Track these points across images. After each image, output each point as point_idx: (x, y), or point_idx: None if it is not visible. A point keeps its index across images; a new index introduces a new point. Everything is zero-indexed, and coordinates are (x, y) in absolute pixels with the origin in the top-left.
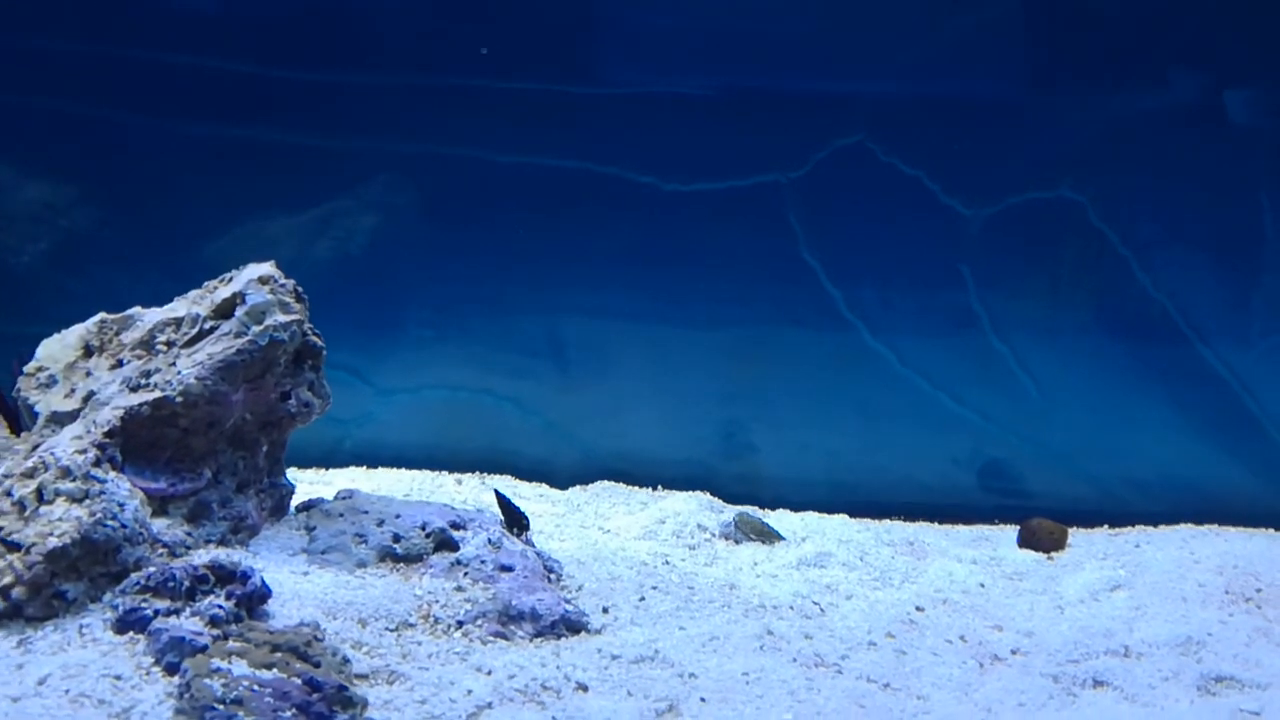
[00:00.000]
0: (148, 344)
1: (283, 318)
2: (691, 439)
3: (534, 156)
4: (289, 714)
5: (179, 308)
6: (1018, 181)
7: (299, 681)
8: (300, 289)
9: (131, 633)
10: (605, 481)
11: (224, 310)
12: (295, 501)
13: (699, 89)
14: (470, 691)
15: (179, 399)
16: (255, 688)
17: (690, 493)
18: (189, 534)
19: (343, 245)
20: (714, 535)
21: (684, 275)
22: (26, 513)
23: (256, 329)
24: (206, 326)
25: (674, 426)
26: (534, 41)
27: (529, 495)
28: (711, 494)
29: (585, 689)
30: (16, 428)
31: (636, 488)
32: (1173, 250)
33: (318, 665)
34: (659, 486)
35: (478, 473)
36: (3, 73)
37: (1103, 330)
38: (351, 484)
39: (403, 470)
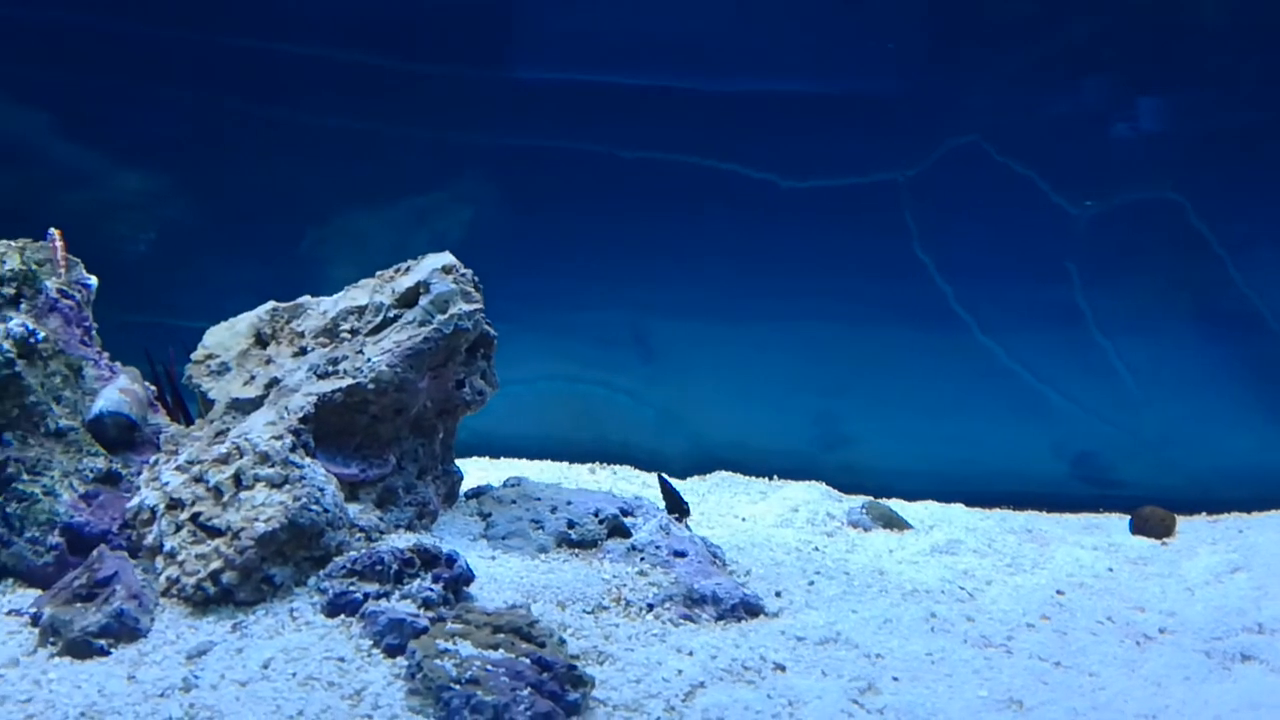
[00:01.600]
0: (331, 332)
1: (466, 307)
2: (800, 430)
3: (656, 152)
4: (525, 692)
5: (358, 296)
6: (1123, 182)
7: (528, 661)
8: (477, 279)
9: (343, 615)
10: (723, 471)
11: (408, 299)
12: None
13: (819, 88)
14: (680, 671)
15: (371, 386)
16: (488, 667)
17: (807, 482)
18: (381, 519)
19: (453, 236)
20: (843, 523)
21: (798, 270)
22: (225, 498)
23: (441, 318)
24: (390, 315)
25: (783, 418)
26: (659, 39)
27: (651, 485)
28: (825, 484)
29: (783, 669)
30: (187, 417)
31: (753, 477)
32: (1265, 250)
33: (542, 645)
34: (774, 476)
35: (598, 463)
36: (114, 60)
37: (1198, 326)
38: (482, 475)
39: (525, 460)
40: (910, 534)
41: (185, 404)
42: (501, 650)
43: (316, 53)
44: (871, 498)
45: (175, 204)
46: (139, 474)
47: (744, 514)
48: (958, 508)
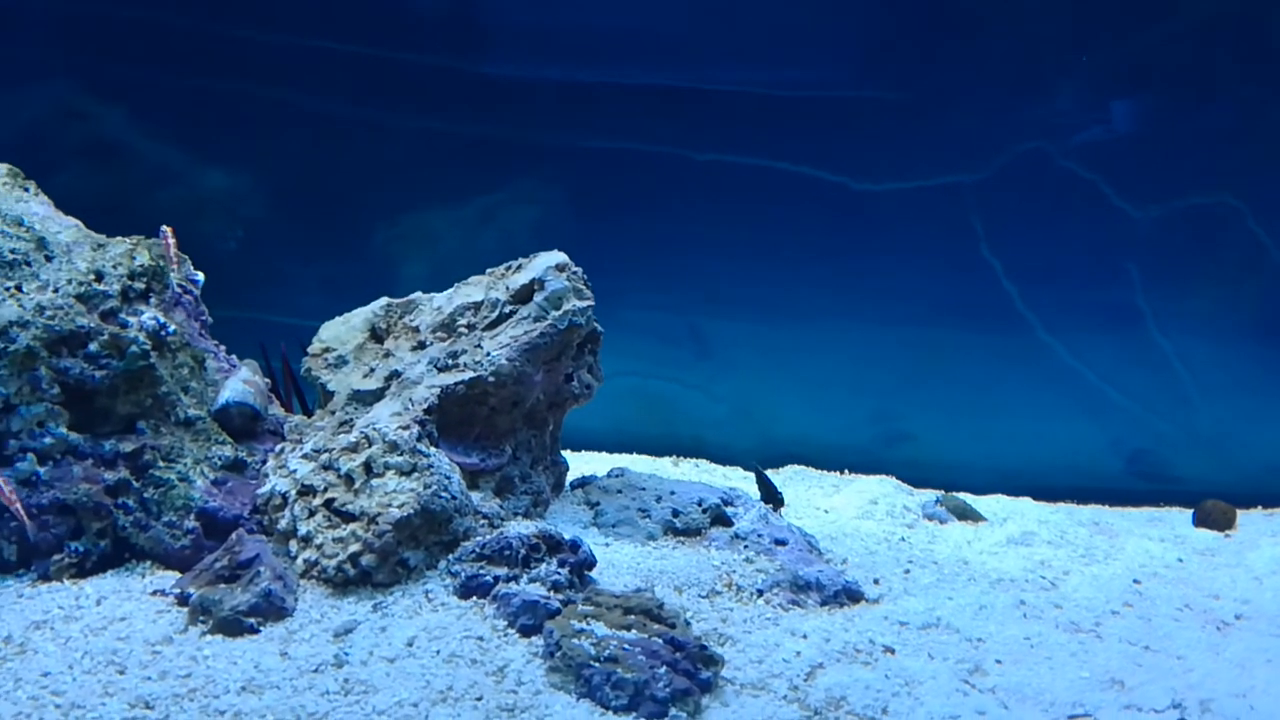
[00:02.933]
0: (449, 326)
1: (578, 303)
2: (866, 426)
3: (729, 155)
4: (662, 670)
5: (472, 292)
6: (1183, 187)
7: (661, 641)
8: (587, 278)
9: (475, 597)
10: (795, 465)
11: (523, 296)
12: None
13: (891, 94)
14: (799, 653)
15: (491, 379)
16: (625, 646)
17: (878, 477)
18: (501, 506)
19: (521, 237)
20: (919, 516)
21: (867, 271)
22: (356, 485)
23: (555, 314)
24: (506, 310)
25: (849, 414)
26: (734, 44)
27: (730, 478)
28: (895, 478)
29: (892, 651)
30: (305, 407)
31: (824, 471)
32: None
33: (672, 626)
34: (845, 470)
35: (676, 456)
36: (198, 60)
37: (1255, 327)
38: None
39: (605, 453)
40: (985, 526)
41: (303, 395)
42: (634, 631)
43: (391, 56)
44: (943, 491)
45: (254, 203)
46: (263, 462)
47: (824, 506)
48: (1026, 501)
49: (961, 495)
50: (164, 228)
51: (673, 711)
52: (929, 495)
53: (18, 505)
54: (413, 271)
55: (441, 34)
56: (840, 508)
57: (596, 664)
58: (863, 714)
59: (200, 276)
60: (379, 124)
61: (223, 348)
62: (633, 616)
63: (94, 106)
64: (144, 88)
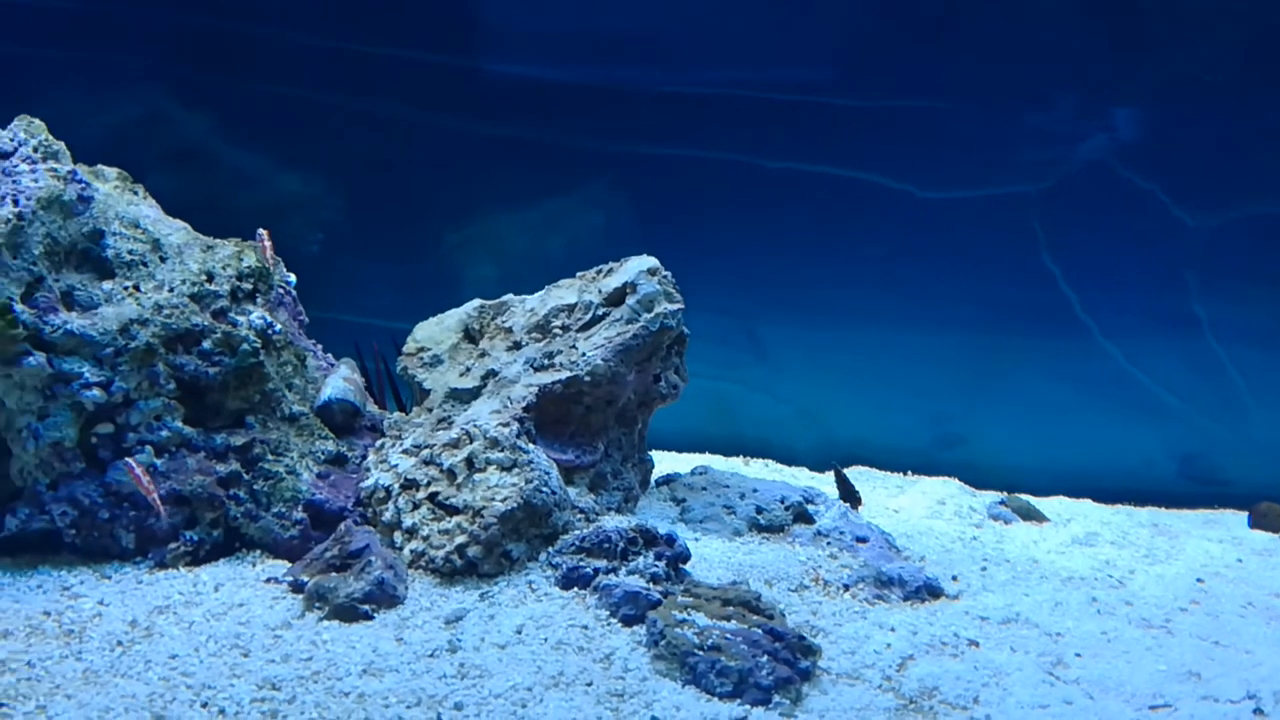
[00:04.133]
0: (543, 328)
1: (669, 306)
2: (926, 428)
3: (801, 163)
4: (764, 659)
5: (565, 295)
6: (1239, 197)
7: (760, 631)
8: (676, 282)
9: (576, 588)
10: (859, 466)
11: (615, 299)
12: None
13: (957, 104)
14: (889, 645)
15: (587, 378)
16: (727, 636)
17: (942, 478)
18: (595, 501)
19: (587, 241)
20: (984, 516)
21: (929, 276)
22: (459, 480)
23: (647, 316)
24: (599, 313)
25: (911, 416)
26: (804, 55)
27: (798, 478)
28: (957, 479)
29: (976, 644)
30: (400, 404)
31: (887, 472)
32: None
33: (771, 617)
34: (908, 471)
35: (743, 456)
36: (273, 68)
37: None
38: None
39: (674, 452)
40: (1049, 526)
41: (399, 392)
42: (734, 621)
43: (463, 64)
44: (1006, 493)
45: (330, 206)
46: (363, 456)
47: (892, 505)
48: (1087, 503)
49: (1024, 496)
50: (260, 230)
51: (776, 698)
52: (991, 496)
53: (155, 495)
54: (481, 273)
55: (512, 43)
56: (908, 507)
57: (700, 652)
58: (955, 703)
59: (292, 278)
60: (450, 130)
61: (319, 346)
62: (732, 608)
63: (180, 112)
64: (226, 95)
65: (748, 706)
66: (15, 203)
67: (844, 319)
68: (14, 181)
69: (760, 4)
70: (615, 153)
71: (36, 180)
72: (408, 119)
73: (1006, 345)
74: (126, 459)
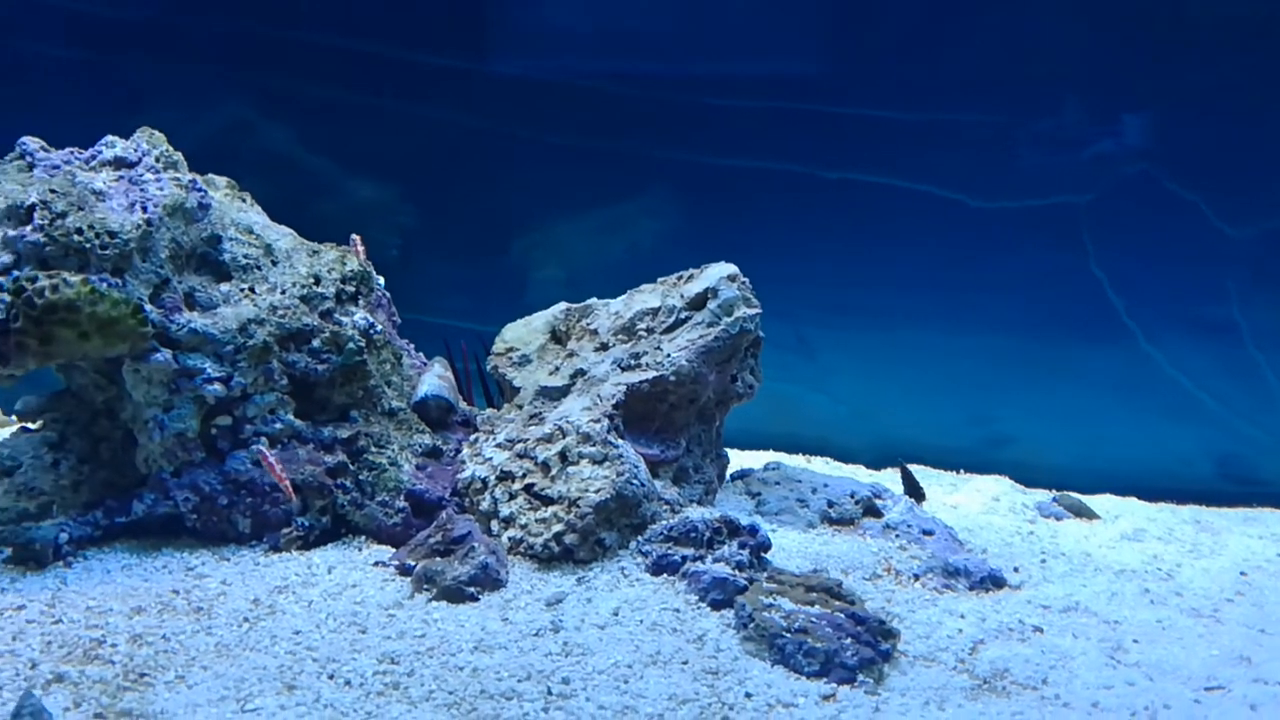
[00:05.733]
0: (629, 330)
1: (749, 311)
2: (975, 428)
3: (857, 173)
4: (848, 641)
5: (649, 300)
6: (1278, 209)
7: (843, 616)
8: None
9: (665, 574)
10: (912, 465)
11: (696, 303)
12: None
13: (1011, 117)
14: (960, 630)
15: (672, 378)
16: (812, 620)
17: (994, 476)
18: (679, 494)
19: (646, 245)
20: (1036, 513)
21: (980, 282)
22: (553, 472)
23: (728, 320)
24: (682, 316)
25: (960, 417)
26: (861, 68)
27: (858, 475)
28: (1008, 478)
29: (1041, 631)
30: (490, 400)
31: (941, 470)
32: None
33: (852, 603)
34: (960, 470)
35: (804, 454)
36: (348, 78)
37: None
38: None
39: (735, 450)
40: (1099, 523)
41: (488, 389)
42: (818, 606)
43: (531, 76)
44: (1054, 491)
45: (404, 212)
46: (456, 450)
47: (949, 502)
48: (1133, 500)
49: (1074, 494)
50: (354, 235)
51: (860, 677)
52: (1040, 494)
53: (286, 482)
54: (546, 276)
55: (579, 54)
56: (965, 504)
57: (788, 634)
58: (1025, 683)
59: (381, 280)
60: (518, 139)
61: (411, 345)
62: (814, 594)
63: (263, 122)
64: (306, 104)
65: (834, 685)
66: (144, 209)
67: (897, 323)
68: (141, 189)
69: (820, 21)
70: (678, 162)
71: (162, 188)
72: (478, 128)
73: (1054, 349)
74: (259, 447)
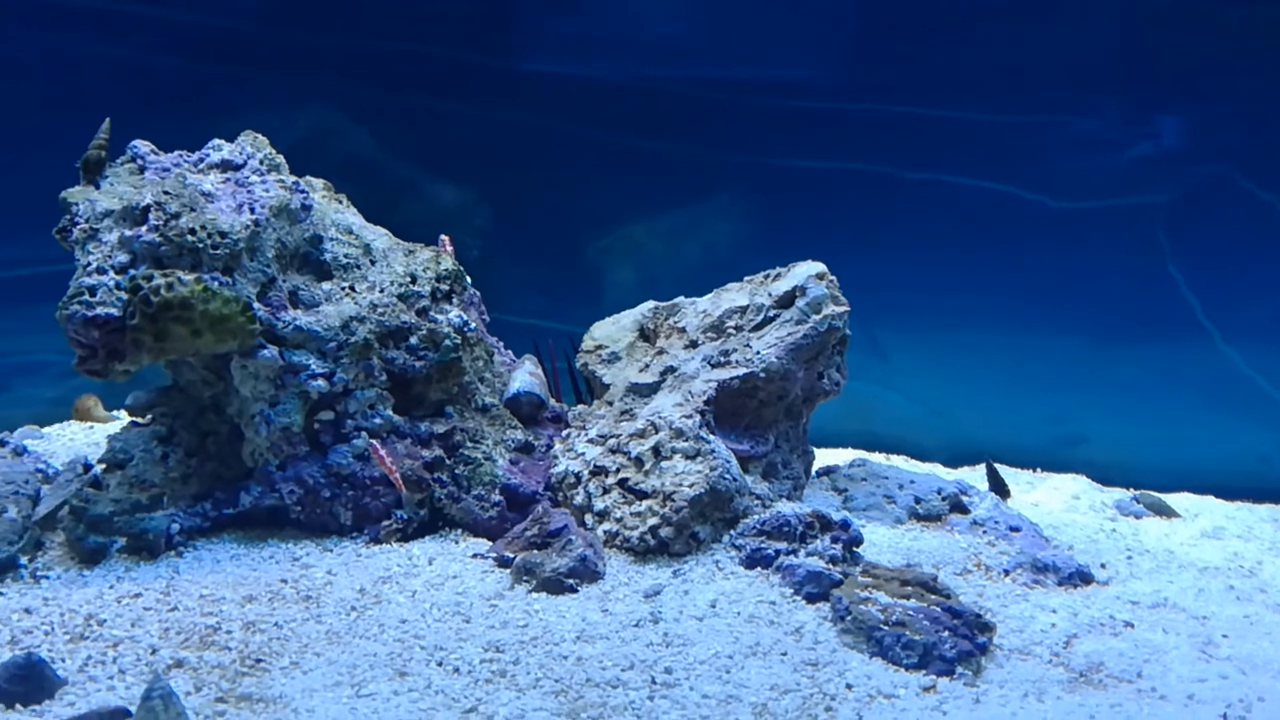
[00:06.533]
0: (718, 328)
1: (836, 309)
2: (1050, 427)
3: (941, 174)
4: (945, 634)
5: (737, 298)
6: None
7: (939, 610)
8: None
9: (759, 568)
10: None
11: (784, 301)
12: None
13: (1088, 119)
14: (1054, 625)
15: (762, 375)
16: (909, 613)
17: (1070, 475)
18: (769, 489)
19: (720, 247)
20: (1115, 511)
21: (1058, 282)
22: (646, 467)
23: (816, 318)
24: (770, 314)
25: (1035, 415)
26: (942, 70)
27: (940, 474)
28: (1085, 476)
29: (1132, 626)
30: (579, 397)
31: (1016, 469)
32: None
33: (948, 597)
34: (1037, 469)
35: (876, 453)
36: (428, 82)
37: None
38: None
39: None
40: (1179, 521)
41: (579, 387)
42: (914, 600)
43: (604, 78)
44: (1130, 489)
45: (481, 214)
46: (548, 446)
47: (1029, 500)
48: (1210, 499)
49: (1154, 493)
50: (443, 236)
51: (959, 670)
52: (1117, 493)
53: (396, 475)
54: (619, 277)
55: (656, 58)
56: (1045, 502)
57: (885, 627)
58: (1121, 677)
59: (468, 279)
60: (593, 141)
61: (501, 343)
62: (910, 588)
63: (348, 127)
64: (388, 110)
65: (934, 677)
66: (251, 210)
67: (973, 322)
68: (248, 191)
69: (903, 23)
70: (754, 164)
71: (267, 190)
72: (553, 131)
73: (1130, 348)
74: (371, 441)
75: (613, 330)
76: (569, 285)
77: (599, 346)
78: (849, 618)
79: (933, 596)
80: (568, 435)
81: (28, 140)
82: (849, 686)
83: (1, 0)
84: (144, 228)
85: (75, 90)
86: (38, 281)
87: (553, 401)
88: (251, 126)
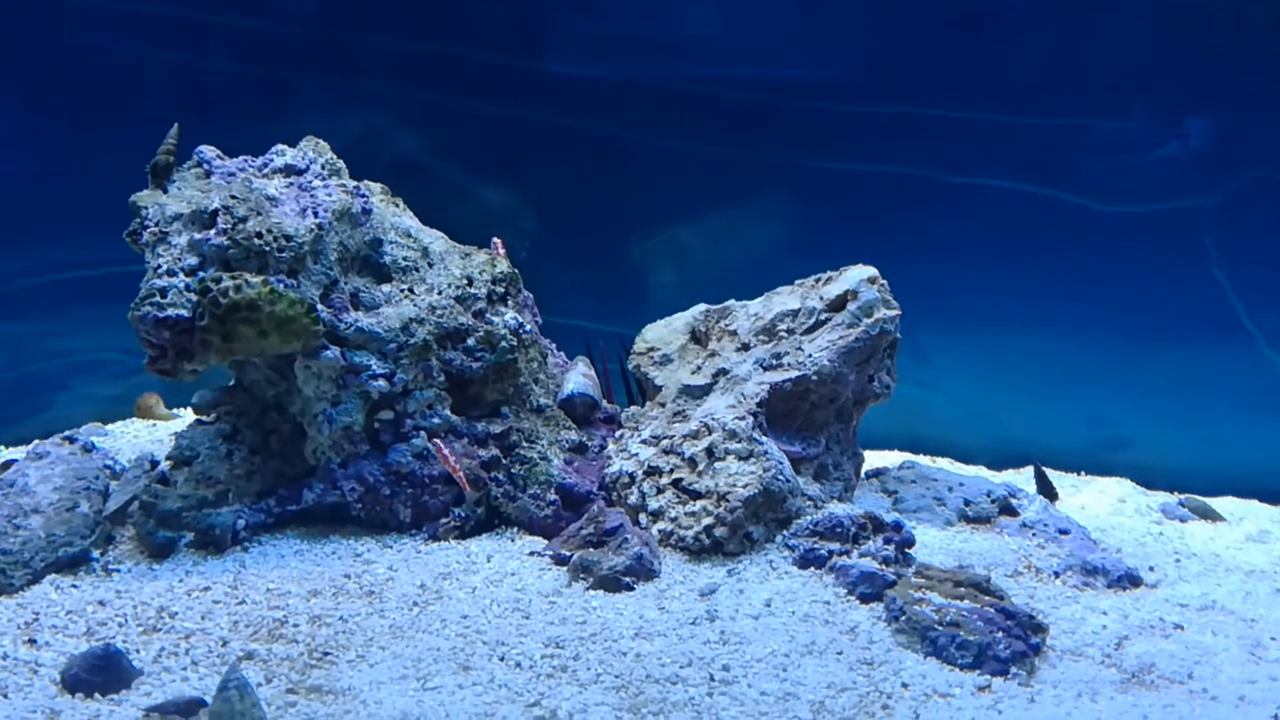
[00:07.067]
0: (770, 331)
1: (888, 313)
2: (1092, 430)
3: (984, 178)
4: (999, 634)
5: (788, 301)
6: None
7: (993, 610)
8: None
9: (812, 568)
10: (1031, 467)
11: (836, 304)
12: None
13: (1134, 121)
14: (1105, 626)
15: (814, 377)
16: (963, 614)
17: (1114, 478)
18: (820, 490)
19: (760, 249)
20: (1162, 515)
21: (1101, 286)
22: (699, 467)
23: (868, 321)
24: (822, 318)
25: (1079, 419)
26: (986, 73)
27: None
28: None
29: (1181, 628)
30: (631, 398)
31: (1062, 472)
32: None
33: (1001, 598)
34: (1081, 472)
35: (920, 455)
36: (473, 85)
37: None
38: None
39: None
40: (1223, 525)
41: (630, 388)
42: (967, 601)
43: (647, 82)
44: (1171, 492)
45: (526, 217)
46: (600, 446)
47: (1074, 503)
48: (1254, 503)
49: (1198, 497)
50: (495, 240)
51: (1013, 670)
52: (1162, 496)
53: (460, 474)
54: (662, 280)
55: (697, 60)
56: (1091, 505)
57: (940, 627)
58: (1172, 678)
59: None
60: (637, 145)
61: (554, 344)
62: (963, 588)
63: (395, 130)
64: (435, 113)
65: (988, 677)
66: (315, 214)
67: (1016, 326)
68: (311, 195)
69: (946, 27)
70: (799, 166)
71: (330, 194)
72: (597, 134)
73: (1174, 352)
74: (435, 440)
75: (664, 333)
76: (614, 287)
77: (651, 349)
78: (903, 618)
79: (986, 597)
80: (620, 436)
81: (69, 146)
82: (905, 685)
83: (68, 11)
84: (212, 231)
85: (124, 95)
86: (93, 283)
87: (605, 403)
88: (301, 130)
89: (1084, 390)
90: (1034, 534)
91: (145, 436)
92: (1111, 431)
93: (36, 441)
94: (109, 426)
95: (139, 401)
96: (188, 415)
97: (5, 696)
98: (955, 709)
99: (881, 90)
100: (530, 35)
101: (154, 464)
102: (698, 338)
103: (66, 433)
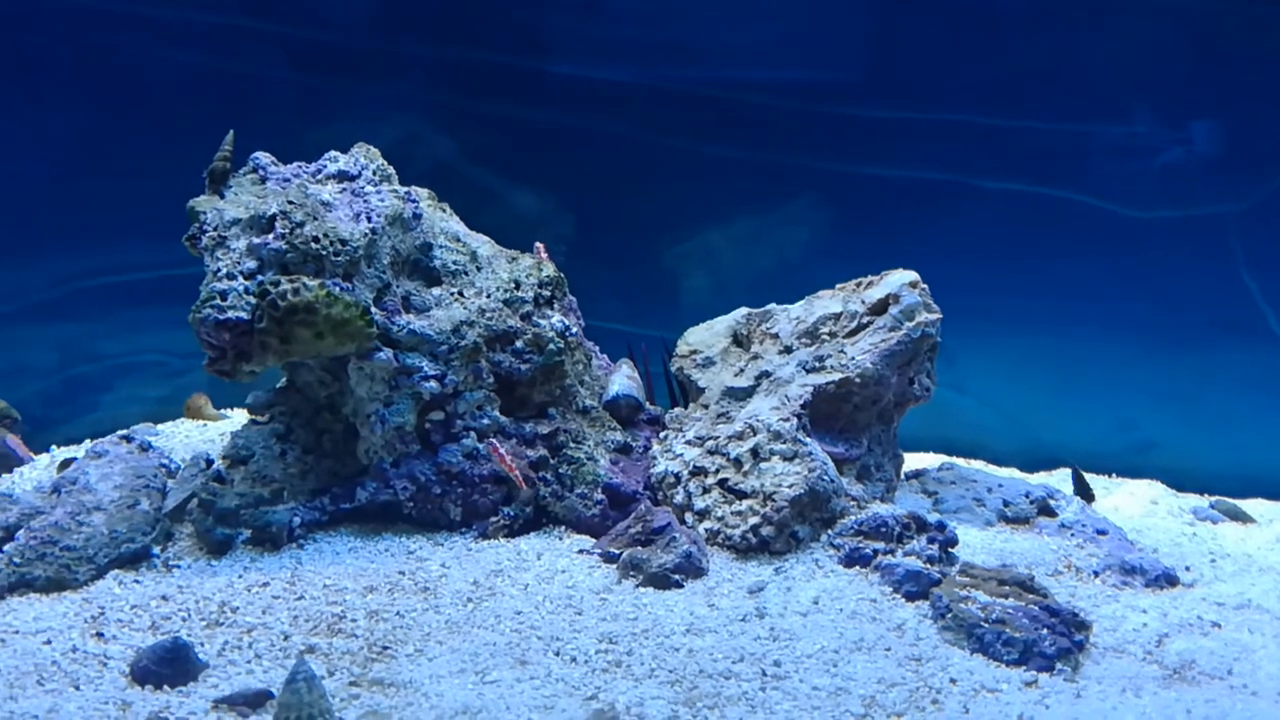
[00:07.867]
0: (812, 334)
1: (929, 316)
2: (1122, 433)
3: (1011, 183)
4: (1044, 631)
5: (830, 305)
6: None
7: (1037, 608)
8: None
9: (858, 567)
10: (1062, 470)
11: (878, 308)
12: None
13: (1159, 129)
14: (1145, 624)
15: (857, 379)
16: (1008, 611)
17: (1147, 481)
18: (863, 490)
19: (792, 253)
20: (1194, 517)
21: (1130, 290)
22: (745, 468)
23: (909, 324)
24: (864, 321)
25: (1108, 422)
26: (1017, 80)
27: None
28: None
29: (1219, 626)
30: (674, 400)
31: (1093, 475)
32: None
33: (1045, 596)
34: (1113, 474)
35: (954, 457)
36: (504, 92)
37: None
38: None
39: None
40: (1254, 527)
41: (674, 390)
42: (1012, 599)
43: (678, 88)
44: (1205, 494)
45: (561, 221)
46: (645, 447)
47: (1108, 504)
48: None
49: (1229, 499)
50: (537, 244)
51: (1058, 666)
52: (1192, 499)
53: (516, 473)
54: (694, 284)
55: (730, 64)
56: (1124, 507)
57: (985, 624)
58: (1212, 674)
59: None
60: (670, 150)
61: (597, 347)
62: (1007, 587)
63: (432, 136)
64: (471, 119)
65: (1034, 673)
66: (368, 219)
67: (1046, 329)
68: (364, 201)
69: (978, 33)
70: (830, 171)
71: (383, 200)
72: (632, 138)
73: (1202, 356)
74: (491, 440)
75: (706, 336)
76: (648, 291)
77: (693, 351)
78: (949, 615)
79: (1030, 596)
80: (665, 437)
81: (117, 151)
82: (953, 680)
83: (120, 19)
84: (270, 235)
85: (170, 100)
86: (138, 286)
87: (649, 404)
88: (339, 135)
89: (1113, 393)
90: (1073, 534)
91: (196, 436)
92: (1139, 434)
93: (94, 440)
94: (159, 426)
95: (188, 402)
96: (236, 415)
97: (78, 688)
98: (1004, 704)
99: (913, 96)
100: (566, 41)
101: (209, 463)
102: (739, 340)
103: (122, 431)
